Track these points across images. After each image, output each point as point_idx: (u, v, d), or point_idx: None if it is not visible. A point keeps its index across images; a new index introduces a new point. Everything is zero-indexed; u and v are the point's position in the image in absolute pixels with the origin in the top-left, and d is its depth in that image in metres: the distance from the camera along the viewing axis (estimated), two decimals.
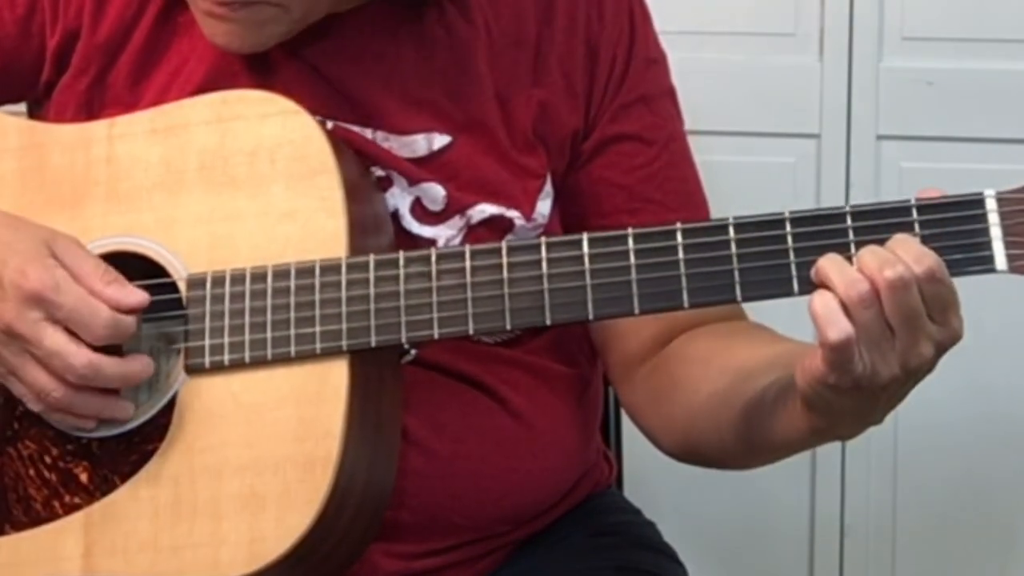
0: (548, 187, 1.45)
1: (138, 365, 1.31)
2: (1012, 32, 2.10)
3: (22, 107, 1.52)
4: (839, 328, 1.15)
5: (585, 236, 1.26)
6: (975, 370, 2.13)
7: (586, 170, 1.47)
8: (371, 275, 1.29)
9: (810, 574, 2.26)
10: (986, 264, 1.20)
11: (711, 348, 1.42)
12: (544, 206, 1.45)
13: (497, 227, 1.42)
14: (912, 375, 1.19)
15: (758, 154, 2.17)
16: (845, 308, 1.16)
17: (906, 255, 1.17)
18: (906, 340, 1.17)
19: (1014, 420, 2.18)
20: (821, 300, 1.17)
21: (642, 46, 1.48)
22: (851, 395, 1.19)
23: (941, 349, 1.19)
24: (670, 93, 1.52)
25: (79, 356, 1.27)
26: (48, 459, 1.35)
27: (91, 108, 1.44)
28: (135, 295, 1.29)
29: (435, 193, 1.41)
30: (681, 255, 1.23)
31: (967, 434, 2.19)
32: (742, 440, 1.33)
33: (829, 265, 1.18)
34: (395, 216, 1.41)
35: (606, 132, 1.47)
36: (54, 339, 1.27)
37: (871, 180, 2.14)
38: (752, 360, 1.35)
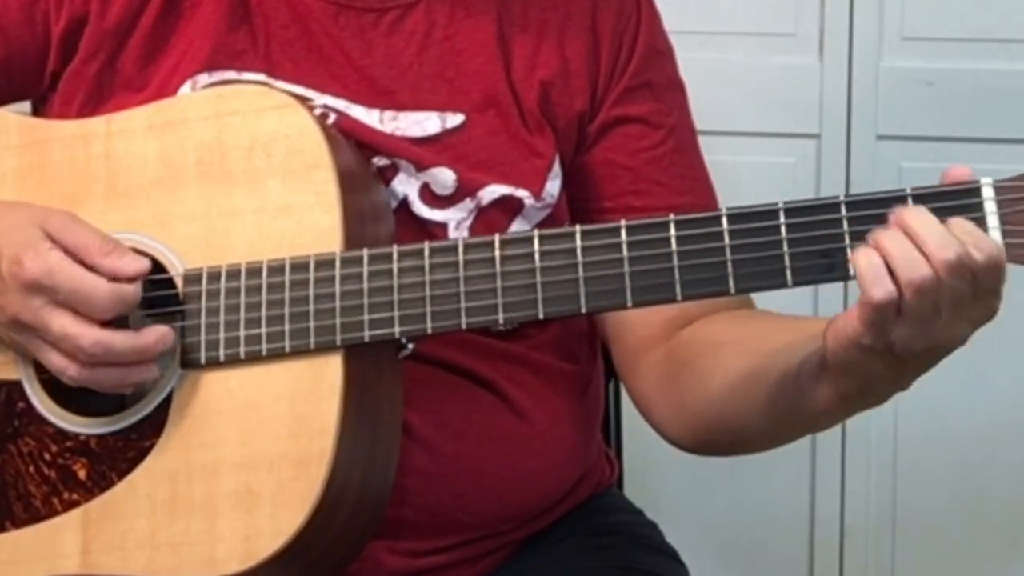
0: (556, 167, 1.45)
1: (152, 337, 1.29)
2: (1012, 32, 2.10)
3: (25, 105, 1.52)
4: (884, 288, 1.13)
5: (578, 228, 1.26)
6: (975, 370, 2.13)
7: (591, 152, 1.48)
8: (364, 269, 1.29)
9: (810, 574, 2.26)
10: None
11: (725, 332, 1.41)
12: (553, 186, 1.45)
13: (507, 208, 1.42)
14: (946, 347, 1.18)
15: (758, 154, 2.17)
16: (895, 279, 1.14)
17: (969, 240, 1.14)
18: (949, 319, 1.16)
19: (1014, 420, 2.18)
20: (867, 259, 1.14)
21: (648, 36, 1.49)
22: (882, 358, 1.17)
23: (976, 326, 1.18)
24: (679, 86, 1.53)
25: (85, 337, 1.27)
26: (47, 456, 1.35)
27: (101, 93, 1.44)
28: (133, 264, 1.29)
29: (444, 178, 1.41)
30: (674, 247, 1.23)
31: (967, 434, 2.19)
32: (767, 418, 1.31)
33: (889, 240, 1.15)
34: (404, 202, 1.41)
35: (611, 114, 1.47)
36: (60, 323, 1.27)
37: (871, 180, 2.14)
38: (773, 338, 1.33)
